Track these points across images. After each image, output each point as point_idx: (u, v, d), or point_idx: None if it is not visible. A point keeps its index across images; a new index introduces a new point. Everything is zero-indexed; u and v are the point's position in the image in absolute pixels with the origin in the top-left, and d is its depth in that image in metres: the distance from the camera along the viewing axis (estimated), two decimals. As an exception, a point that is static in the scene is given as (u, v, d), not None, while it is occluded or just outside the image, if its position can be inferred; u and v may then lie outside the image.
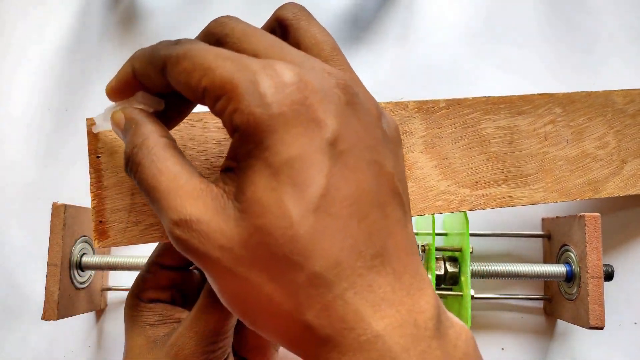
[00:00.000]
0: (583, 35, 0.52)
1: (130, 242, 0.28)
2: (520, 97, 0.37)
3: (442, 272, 0.42)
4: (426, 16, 0.53)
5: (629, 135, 0.39)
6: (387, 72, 0.52)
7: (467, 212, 0.38)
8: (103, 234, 0.29)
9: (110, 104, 0.26)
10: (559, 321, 0.47)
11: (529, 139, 0.37)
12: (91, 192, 0.29)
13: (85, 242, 0.43)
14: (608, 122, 0.39)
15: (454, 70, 0.51)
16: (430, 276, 0.41)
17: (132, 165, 0.22)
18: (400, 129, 0.35)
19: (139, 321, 0.28)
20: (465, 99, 0.36)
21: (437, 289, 0.42)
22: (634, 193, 0.39)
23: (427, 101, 0.36)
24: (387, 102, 0.35)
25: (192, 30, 0.52)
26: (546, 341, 0.47)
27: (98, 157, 0.30)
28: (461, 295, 0.41)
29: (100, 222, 0.29)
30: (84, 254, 0.42)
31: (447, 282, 0.42)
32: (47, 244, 0.39)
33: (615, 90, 0.39)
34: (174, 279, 0.29)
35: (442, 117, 0.36)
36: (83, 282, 0.42)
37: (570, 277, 0.41)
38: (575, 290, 0.41)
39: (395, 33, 0.52)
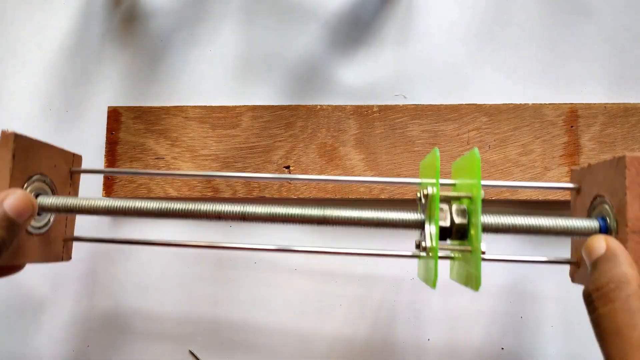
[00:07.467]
0: (582, 35, 0.51)
1: (126, 195, 0.42)
2: (448, 106, 0.42)
3: (447, 223, 0.34)
4: (426, 17, 0.53)
5: (557, 146, 0.42)
6: (386, 72, 0.52)
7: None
8: (109, 187, 0.48)
9: None
10: (558, 321, 0.46)
11: (451, 142, 0.42)
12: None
13: (43, 182, 0.38)
14: (535, 132, 0.42)
15: (453, 70, 0.51)
16: (434, 228, 0.34)
17: (602, 299, 0.23)
18: (337, 127, 0.44)
19: None
20: (396, 106, 0.44)
21: (441, 244, 0.35)
22: (553, 199, 0.39)
23: (362, 106, 0.44)
24: (327, 105, 0.43)
25: (192, 30, 0.56)
26: (546, 341, 0.46)
27: (112, 133, 0.49)
28: (470, 252, 0.34)
29: (108, 178, 0.48)
30: (39, 194, 0.37)
31: (453, 236, 0.35)
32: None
33: (546, 104, 0.43)
34: None
35: (374, 120, 0.43)
36: (38, 228, 0.38)
37: (604, 233, 0.34)
38: (611, 249, 0.33)
39: (395, 34, 0.53)
